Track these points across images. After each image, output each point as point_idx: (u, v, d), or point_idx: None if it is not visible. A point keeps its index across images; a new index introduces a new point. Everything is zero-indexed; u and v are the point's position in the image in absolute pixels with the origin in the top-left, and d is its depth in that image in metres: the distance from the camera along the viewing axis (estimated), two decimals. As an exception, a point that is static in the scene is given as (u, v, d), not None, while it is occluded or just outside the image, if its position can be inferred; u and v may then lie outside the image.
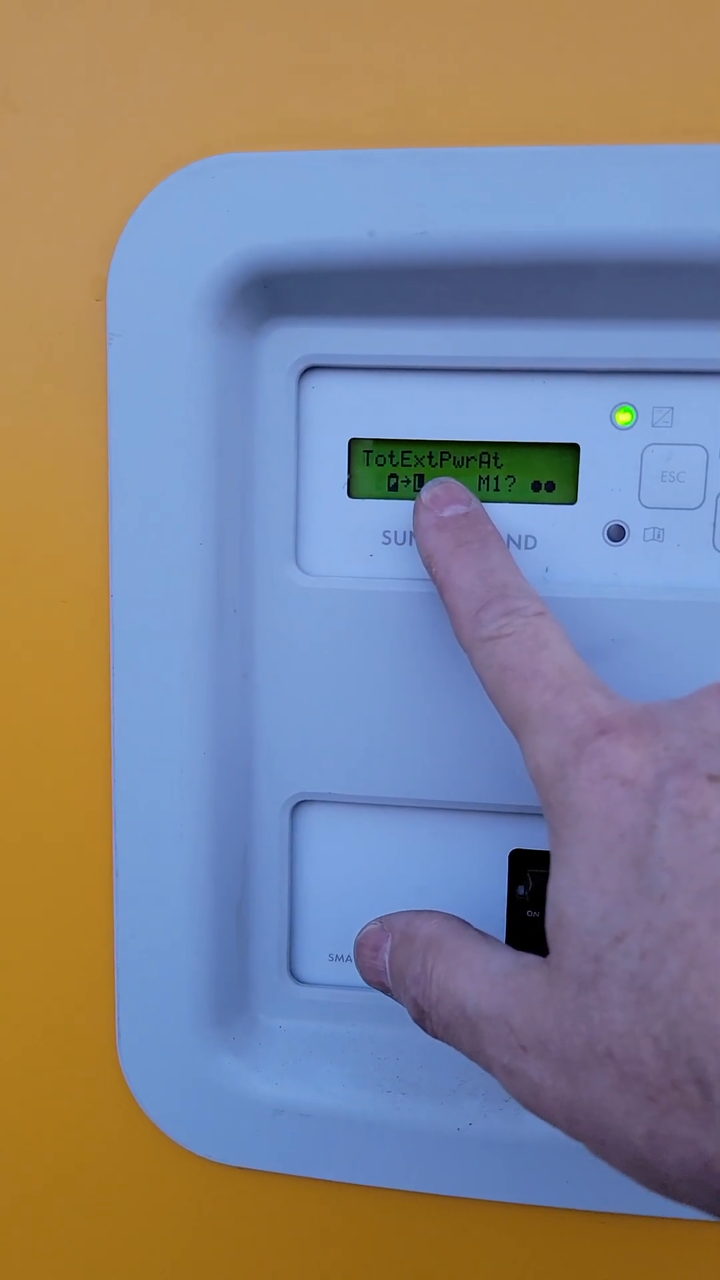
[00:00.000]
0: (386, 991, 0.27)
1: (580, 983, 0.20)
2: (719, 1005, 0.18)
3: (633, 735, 0.21)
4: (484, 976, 0.23)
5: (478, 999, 0.23)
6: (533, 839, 0.32)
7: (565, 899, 0.21)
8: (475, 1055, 0.23)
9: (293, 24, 0.28)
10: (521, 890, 0.32)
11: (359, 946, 0.28)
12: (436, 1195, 0.32)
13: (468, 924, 0.26)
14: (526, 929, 0.32)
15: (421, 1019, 0.25)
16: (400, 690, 0.31)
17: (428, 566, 0.28)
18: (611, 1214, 0.32)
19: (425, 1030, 0.25)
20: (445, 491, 0.29)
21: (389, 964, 0.26)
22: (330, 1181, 0.33)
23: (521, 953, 0.23)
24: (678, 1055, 0.19)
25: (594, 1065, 0.20)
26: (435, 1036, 0.24)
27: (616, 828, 0.20)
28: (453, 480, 0.29)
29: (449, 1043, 0.24)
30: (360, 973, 0.28)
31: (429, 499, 0.29)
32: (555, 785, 0.22)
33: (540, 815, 0.31)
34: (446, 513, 0.28)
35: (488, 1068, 0.23)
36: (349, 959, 0.33)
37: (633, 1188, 0.31)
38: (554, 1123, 0.21)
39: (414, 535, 0.29)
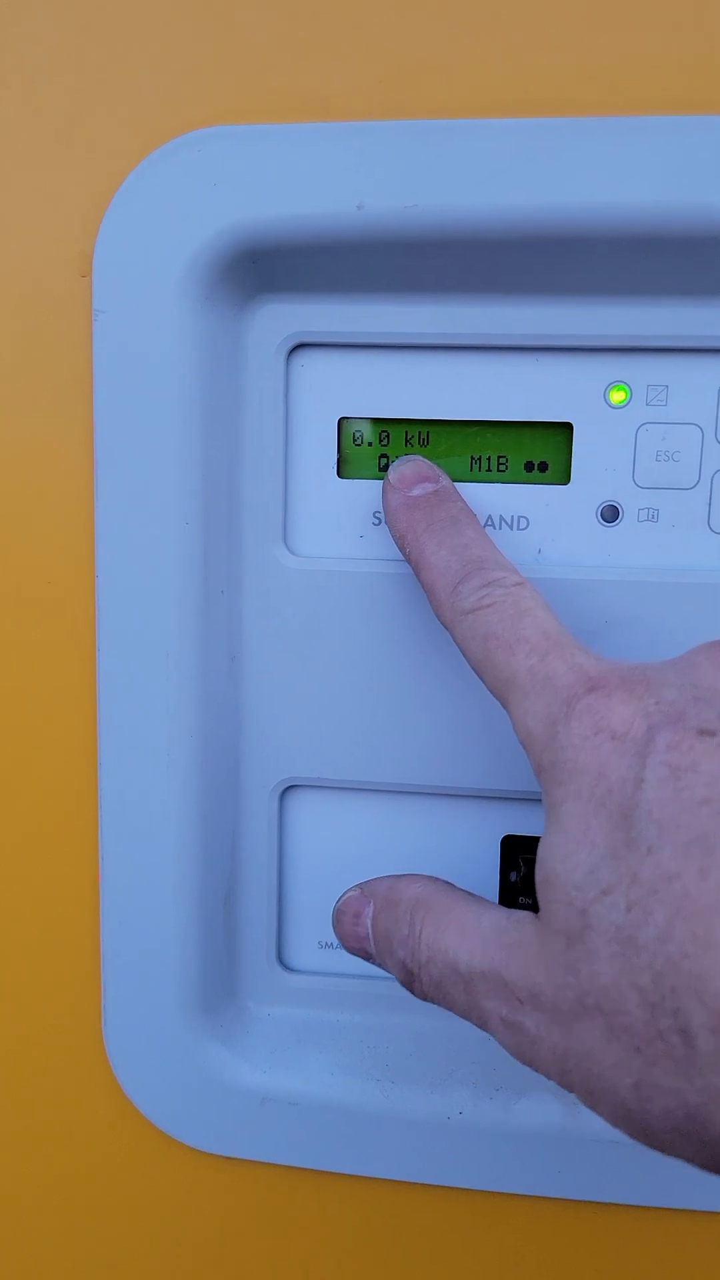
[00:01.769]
0: (368, 958, 0.26)
1: (568, 936, 0.20)
2: (703, 955, 0.18)
3: (623, 691, 0.21)
4: (475, 933, 0.23)
5: (470, 956, 0.23)
6: (525, 824, 0.32)
7: (554, 855, 0.21)
8: (469, 1011, 0.23)
9: (281, -6, 0.28)
10: (514, 876, 0.32)
11: (339, 914, 0.27)
12: (427, 1185, 0.32)
13: (453, 885, 0.25)
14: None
15: (410, 980, 0.24)
16: (390, 673, 0.30)
17: (400, 547, 0.28)
18: (603, 1203, 0.31)
19: (413, 992, 0.24)
20: (413, 470, 0.28)
21: (371, 929, 0.26)
22: (319, 1171, 0.33)
23: (512, 910, 0.23)
24: (663, 1006, 0.19)
25: (584, 1017, 0.20)
26: (425, 998, 0.24)
27: (606, 782, 0.20)
28: (420, 458, 0.29)
29: (439, 1002, 0.24)
30: (340, 940, 0.27)
31: (396, 478, 0.28)
32: (547, 746, 0.22)
33: (533, 800, 0.31)
34: (415, 491, 0.28)
35: (483, 1023, 0.22)
36: (338, 947, 0.33)
37: (623, 1177, 0.30)
38: (548, 1074, 0.21)
39: (384, 516, 0.28)
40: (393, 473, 0.29)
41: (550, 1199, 0.32)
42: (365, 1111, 0.31)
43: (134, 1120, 0.33)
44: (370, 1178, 0.32)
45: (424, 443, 0.30)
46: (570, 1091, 0.21)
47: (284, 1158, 0.32)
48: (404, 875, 0.26)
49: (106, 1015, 0.33)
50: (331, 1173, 0.32)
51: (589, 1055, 0.20)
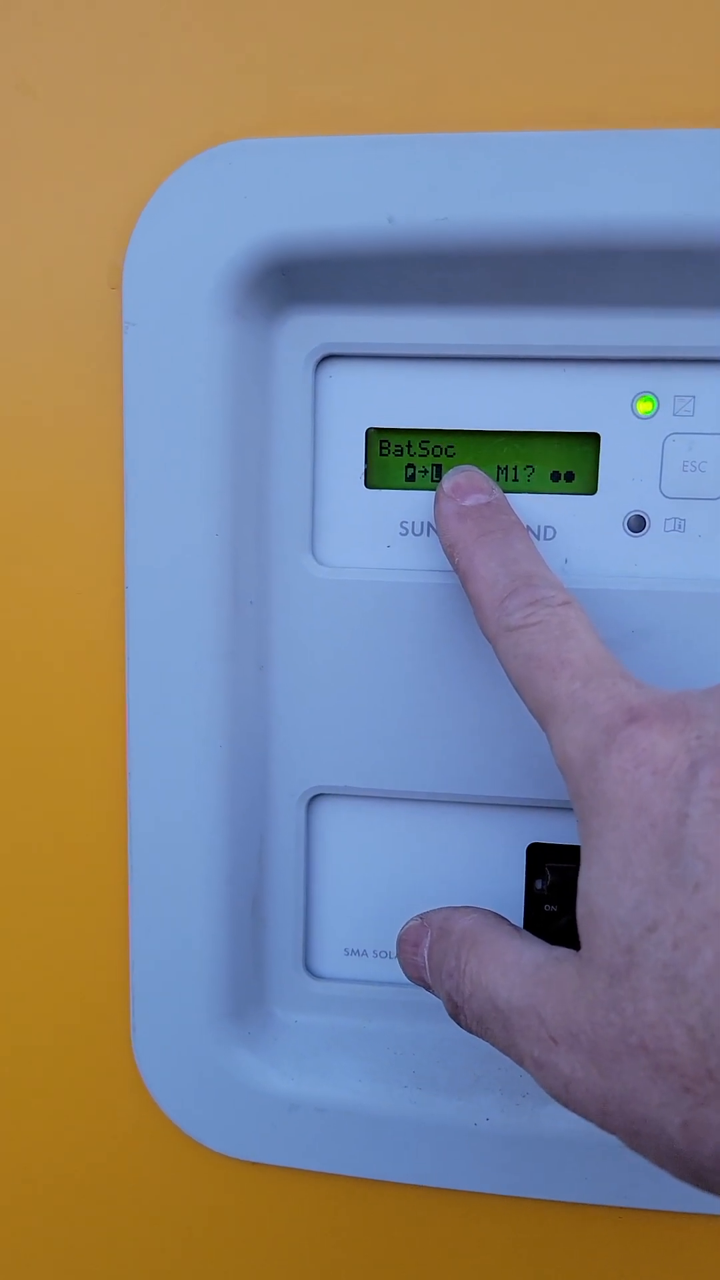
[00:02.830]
0: (428, 988, 0.27)
1: (612, 973, 0.20)
2: None
3: (663, 723, 0.21)
4: (515, 969, 0.23)
5: (509, 992, 0.23)
6: (551, 832, 0.32)
7: (596, 889, 0.21)
8: (508, 1049, 0.23)
9: (309, 7, 0.28)
10: (540, 884, 0.32)
11: (401, 943, 0.28)
12: (454, 1191, 0.32)
13: (503, 919, 0.26)
14: (544, 923, 0.32)
15: (456, 1013, 0.25)
16: (417, 683, 0.31)
17: (450, 556, 0.28)
18: (631, 1209, 0.32)
19: (460, 1025, 0.25)
20: (467, 480, 0.28)
21: (428, 959, 0.26)
22: (347, 1177, 0.33)
23: (554, 946, 0.23)
24: (713, 1045, 0.18)
25: (627, 1056, 0.20)
26: (470, 1031, 0.24)
27: (648, 816, 0.20)
28: (474, 468, 0.29)
29: (483, 1037, 0.24)
30: (402, 968, 0.28)
31: (450, 488, 0.28)
32: (585, 775, 0.22)
33: (558, 809, 0.31)
34: (468, 501, 0.28)
35: (520, 1061, 0.22)
36: (365, 954, 0.33)
37: (651, 1183, 0.31)
38: (587, 1116, 0.21)
39: (435, 524, 0.28)
40: (446, 481, 0.28)
41: (579, 1205, 0.32)
42: (392, 1118, 0.31)
43: (163, 1126, 0.34)
44: (397, 1183, 0.32)
45: (451, 453, 0.30)
46: (611, 1134, 0.21)
47: (312, 1163, 0.32)
48: (460, 907, 0.27)
49: (135, 1022, 0.33)
50: (359, 1178, 0.33)
51: (633, 1095, 0.20)
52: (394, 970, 0.33)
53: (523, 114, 0.27)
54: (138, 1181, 0.35)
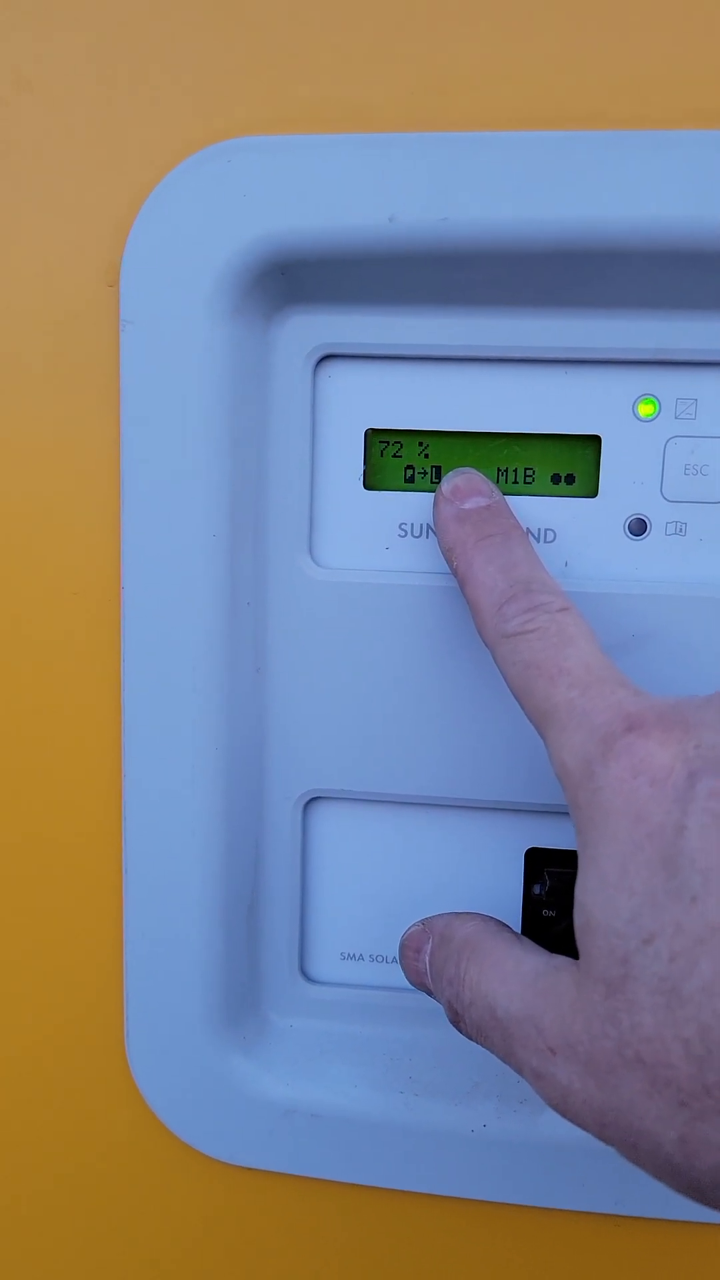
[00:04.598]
0: (430, 993, 0.26)
1: (608, 985, 0.20)
2: None
3: (661, 732, 0.21)
4: (515, 978, 0.23)
5: (508, 1001, 0.22)
6: (549, 837, 0.32)
7: (593, 900, 0.21)
8: (507, 1058, 0.23)
9: (310, 4, 0.27)
10: (537, 889, 0.31)
11: (403, 948, 0.27)
12: (450, 1198, 0.32)
13: (505, 926, 0.25)
14: (542, 928, 0.31)
15: (456, 1021, 0.24)
16: (415, 686, 0.30)
17: (448, 560, 0.27)
18: (629, 1217, 0.31)
19: (460, 1032, 0.24)
20: (466, 483, 0.28)
21: (429, 965, 0.26)
22: (342, 1183, 0.33)
23: (553, 955, 0.23)
24: (710, 1060, 0.18)
25: (623, 1069, 0.20)
26: (470, 1038, 0.24)
27: (645, 827, 0.20)
28: (474, 471, 0.29)
29: (483, 1045, 0.24)
30: (405, 974, 0.27)
31: (449, 490, 0.28)
32: (582, 784, 0.21)
33: (557, 814, 0.31)
34: (468, 505, 0.28)
35: (519, 1071, 0.22)
36: (361, 958, 0.33)
37: (649, 1192, 0.30)
38: (585, 1127, 0.21)
39: (434, 528, 0.28)
40: (446, 484, 0.28)
41: (575, 1212, 0.32)
42: (388, 1124, 0.31)
43: (157, 1132, 0.33)
44: (394, 1190, 0.32)
45: (451, 455, 0.30)
46: (609, 1145, 0.21)
47: (307, 1169, 0.32)
48: (462, 914, 0.27)
49: (129, 1027, 0.32)
50: (355, 1185, 0.32)
51: (630, 1109, 0.20)
52: (390, 975, 0.33)
53: (525, 114, 0.27)
54: (132, 1187, 0.34)
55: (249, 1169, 0.33)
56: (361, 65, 0.27)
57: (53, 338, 0.30)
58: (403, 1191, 0.32)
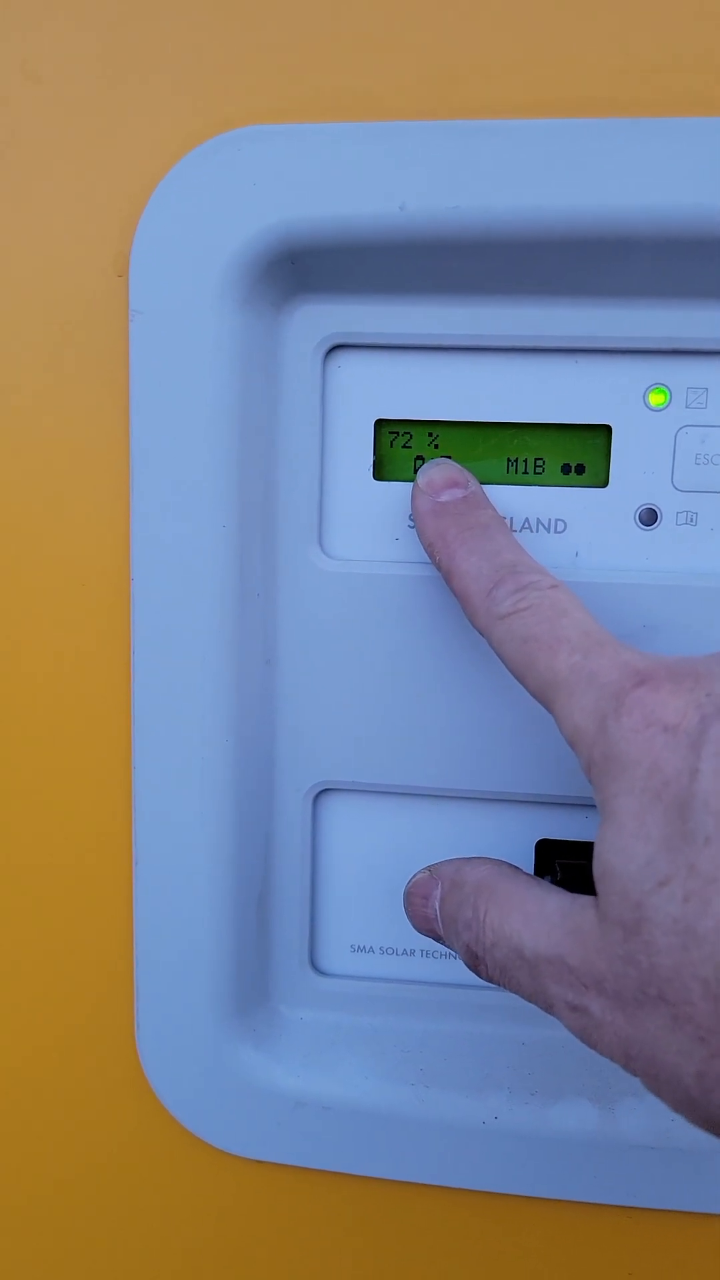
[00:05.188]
0: (439, 939, 0.27)
1: (625, 929, 0.20)
2: None
3: (672, 683, 0.21)
4: (539, 918, 0.23)
5: (535, 940, 0.23)
6: (560, 829, 0.32)
7: (609, 849, 0.21)
8: (535, 995, 0.23)
9: (320, -8, 0.27)
10: (549, 880, 0.31)
11: (409, 895, 0.27)
12: (461, 1190, 0.32)
13: (518, 868, 0.26)
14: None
15: (475, 964, 0.24)
16: (425, 677, 0.30)
17: (430, 554, 0.27)
18: (639, 1209, 0.31)
19: (479, 974, 0.25)
20: (442, 475, 0.28)
21: (439, 911, 0.26)
22: (353, 1176, 0.32)
23: (576, 895, 0.23)
24: None
25: (648, 1005, 0.20)
26: (490, 980, 0.24)
27: (660, 775, 0.20)
28: (449, 462, 0.29)
29: (505, 985, 0.24)
30: (411, 920, 0.27)
31: (425, 484, 0.28)
32: (597, 741, 0.22)
33: (568, 804, 0.31)
34: (444, 497, 0.28)
35: (549, 1007, 0.23)
36: (372, 950, 0.33)
37: (660, 1183, 0.30)
38: (613, 1058, 0.21)
39: (413, 522, 0.28)
40: (421, 477, 0.28)
41: (586, 1204, 0.32)
42: (399, 1116, 0.31)
43: (167, 1124, 0.33)
44: (405, 1182, 0.32)
45: (460, 445, 0.30)
46: (634, 1076, 0.21)
47: (317, 1162, 0.32)
48: (470, 859, 0.27)
49: (139, 1019, 0.32)
50: (365, 1177, 0.32)
51: (653, 1042, 0.20)
52: (401, 968, 0.33)
53: (537, 101, 0.27)
54: (142, 1179, 0.34)
55: (259, 1161, 0.33)
56: (370, 54, 0.27)
57: (62, 328, 0.30)
58: (414, 1184, 0.32)
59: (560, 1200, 0.31)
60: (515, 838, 0.32)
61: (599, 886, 0.21)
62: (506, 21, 0.27)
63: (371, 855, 0.32)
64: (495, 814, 0.32)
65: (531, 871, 0.32)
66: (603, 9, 0.26)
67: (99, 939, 0.33)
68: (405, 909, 0.28)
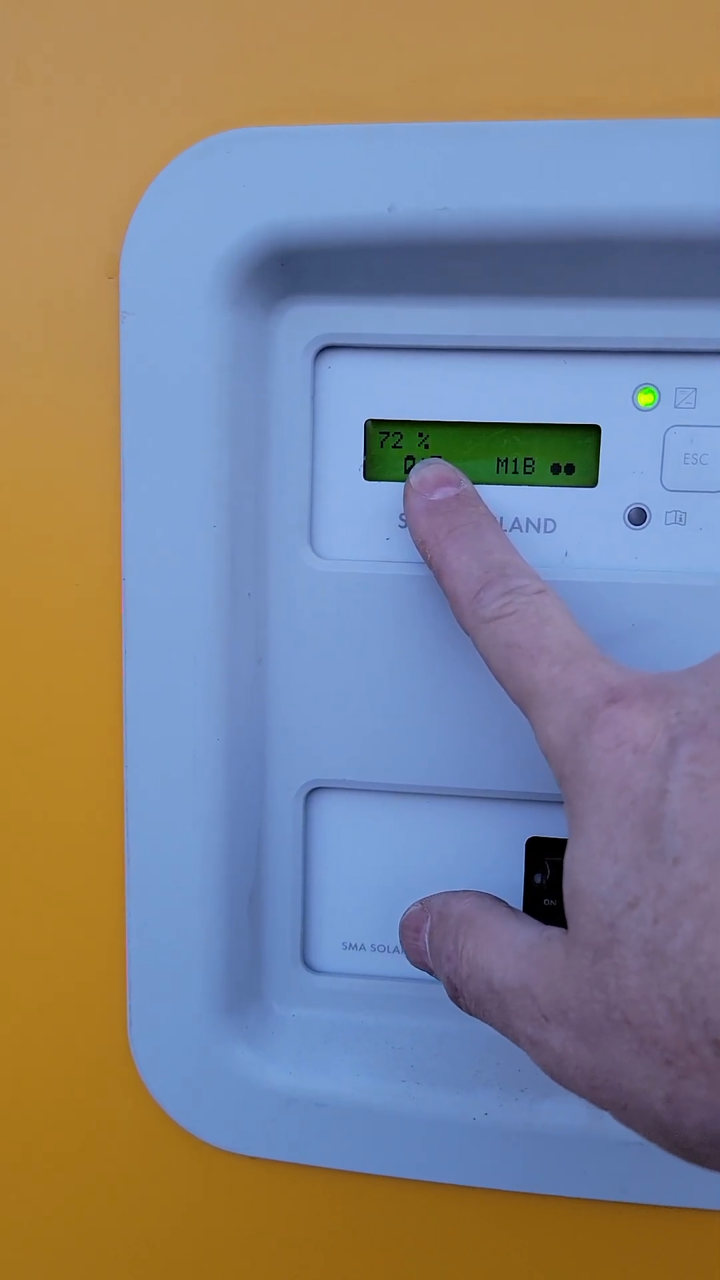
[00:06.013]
0: (431, 972, 0.27)
1: (595, 950, 0.20)
2: None
3: (644, 701, 0.21)
4: (509, 950, 0.23)
5: (504, 972, 0.23)
6: (550, 827, 0.32)
7: (579, 868, 0.21)
8: (505, 1029, 0.23)
9: (310, -6, 0.27)
10: (539, 878, 0.32)
11: (403, 929, 0.28)
12: (452, 1185, 0.32)
13: (500, 901, 0.26)
14: (544, 918, 0.31)
15: (455, 996, 0.25)
16: (416, 676, 0.30)
17: (422, 553, 0.28)
18: (630, 1204, 0.32)
19: (460, 1007, 0.25)
20: (434, 473, 0.28)
21: (429, 944, 0.26)
22: (344, 1171, 0.33)
23: (546, 926, 0.23)
24: (693, 1018, 0.19)
25: (612, 1032, 0.20)
26: (469, 1013, 0.24)
27: (629, 794, 0.20)
28: (441, 461, 0.29)
29: (482, 1018, 0.24)
30: (406, 955, 0.28)
31: (417, 482, 0.28)
32: (568, 756, 0.22)
33: (558, 803, 0.31)
34: (436, 495, 0.28)
35: (516, 1040, 0.23)
36: (363, 948, 0.33)
37: (650, 1178, 0.31)
38: (578, 1091, 0.21)
39: (404, 520, 0.28)
40: (413, 476, 0.28)
41: (576, 1199, 0.32)
42: (391, 1112, 0.31)
43: (159, 1120, 0.34)
44: (396, 1178, 0.32)
45: (451, 445, 0.30)
46: (603, 1109, 0.21)
47: (309, 1158, 0.32)
48: (458, 891, 0.27)
49: (132, 1016, 0.33)
50: (357, 1173, 0.33)
51: (619, 1070, 0.20)
52: (392, 965, 0.33)
53: (525, 103, 0.27)
54: (134, 1176, 0.35)
55: (251, 1157, 0.33)
56: (360, 55, 0.27)
57: (53, 329, 0.30)
58: (404, 1180, 0.32)
59: (550, 1196, 0.32)
60: (506, 836, 0.32)
61: (568, 906, 0.21)
62: (494, 23, 0.27)
63: (363, 853, 0.33)
64: (486, 812, 0.32)
65: (522, 869, 0.32)
66: (591, 10, 0.26)
67: (91, 936, 0.33)
68: (400, 942, 0.28)
